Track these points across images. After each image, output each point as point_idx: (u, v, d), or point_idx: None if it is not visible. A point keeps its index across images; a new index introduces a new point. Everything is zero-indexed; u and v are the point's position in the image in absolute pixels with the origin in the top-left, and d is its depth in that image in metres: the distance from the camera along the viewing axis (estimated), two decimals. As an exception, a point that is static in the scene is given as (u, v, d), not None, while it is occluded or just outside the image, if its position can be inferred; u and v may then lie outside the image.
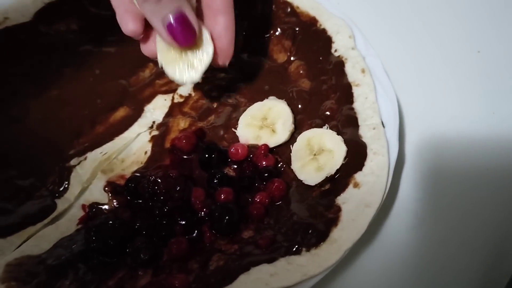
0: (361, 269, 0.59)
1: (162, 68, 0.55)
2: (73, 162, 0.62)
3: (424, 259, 0.60)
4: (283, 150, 0.63)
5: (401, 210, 0.61)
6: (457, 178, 0.66)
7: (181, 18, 0.50)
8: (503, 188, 0.64)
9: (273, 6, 0.74)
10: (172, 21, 0.50)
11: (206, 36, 0.54)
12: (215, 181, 0.59)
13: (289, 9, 0.74)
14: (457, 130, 0.70)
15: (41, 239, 0.56)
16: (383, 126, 0.62)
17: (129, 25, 0.53)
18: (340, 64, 0.68)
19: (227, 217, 0.55)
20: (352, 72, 0.67)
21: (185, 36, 0.51)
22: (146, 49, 0.57)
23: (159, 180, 0.56)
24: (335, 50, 0.70)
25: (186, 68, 0.54)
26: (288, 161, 0.62)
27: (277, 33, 0.73)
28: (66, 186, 0.60)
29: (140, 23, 0.53)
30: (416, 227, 0.61)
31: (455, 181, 0.65)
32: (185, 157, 0.62)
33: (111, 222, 0.54)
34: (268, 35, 0.73)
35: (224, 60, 0.56)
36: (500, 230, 0.62)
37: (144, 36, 0.55)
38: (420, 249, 0.60)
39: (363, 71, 0.67)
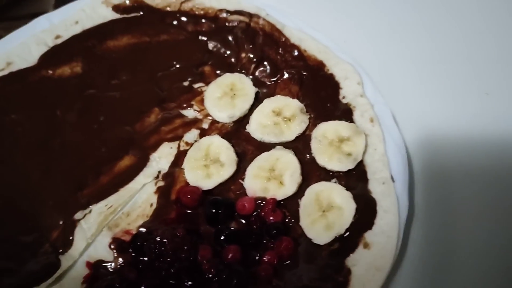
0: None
1: None
2: (77, 216, 0.61)
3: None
4: (291, 203, 0.62)
5: (410, 268, 0.60)
6: (468, 228, 0.65)
7: None
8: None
9: (280, 49, 0.73)
10: None
11: None
12: (222, 238, 0.58)
13: (296, 52, 0.73)
14: (467, 178, 0.69)
15: (45, 300, 0.55)
16: (393, 181, 0.61)
17: None
18: (348, 112, 0.68)
19: (235, 280, 0.54)
20: (360, 121, 0.67)
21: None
22: None
23: (165, 241, 0.55)
24: (343, 97, 0.69)
25: None
26: (296, 216, 0.61)
27: (284, 77, 0.72)
28: (71, 241, 0.59)
29: None
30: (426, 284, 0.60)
31: (468, 234, 0.64)
32: (190, 211, 0.60)
33: (117, 285, 0.52)
34: (275, 79, 0.72)
35: None
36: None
37: None
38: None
39: (371, 120, 0.66)
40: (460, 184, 0.68)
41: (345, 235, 0.58)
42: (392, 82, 0.75)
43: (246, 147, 0.67)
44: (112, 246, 0.58)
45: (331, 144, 0.64)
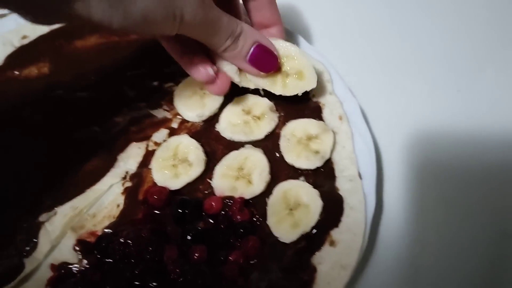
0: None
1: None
2: (42, 218, 0.60)
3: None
4: (259, 202, 0.62)
5: (378, 267, 0.60)
6: (439, 229, 0.65)
7: (260, 52, 0.58)
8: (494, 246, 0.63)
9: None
10: (253, 57, 0.58)
11: None
12: (189, 237, 0.57)
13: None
14: (439, 175, 0.69)
15: (7, 304, 0.54)
16: (360, 178, 0.61)
17: (209, 71, 0.60)
18: (317, 110, 0.67)
19: (200, 281, 0.53)
20: (330, 119, 0.66)
21: (269, 64, 0.60)
22: (215, 89, 0.62)
23: (130, 242, 0.54)
24: (313, 95, 0.68)
25: None
26: (264, 215, 0.61)
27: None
28: (35, 244, 0.58)
29: (212, 67, 0.60)
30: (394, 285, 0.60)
31: (438, 232, 0.64)
32: (158, 212, 0.60)
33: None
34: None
35: None
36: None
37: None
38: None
39: (340, 118, 0.66)
40: (431, 181, 0.68)
41: (312, 233, 0.58)
42: (363, 80, 0.75)
43: (216, 146, 0.67)
44: (77, 248, 0.58)
45: (299, 142, 0.64)
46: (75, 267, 0.57)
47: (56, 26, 0.73)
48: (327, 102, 0.67)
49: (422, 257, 0.63)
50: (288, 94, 0.64)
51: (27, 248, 0.58)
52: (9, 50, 0.70)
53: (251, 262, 0.57)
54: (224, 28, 0.54)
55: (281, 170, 0.64)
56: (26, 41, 0.71)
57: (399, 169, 0.69)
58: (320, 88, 0.68)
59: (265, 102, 0.68)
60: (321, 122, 0.64)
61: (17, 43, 0.71)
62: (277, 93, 0.63)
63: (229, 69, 0.60)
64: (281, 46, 0.62)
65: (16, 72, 0.69)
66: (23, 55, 0.70)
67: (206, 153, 0.65)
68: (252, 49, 0.58)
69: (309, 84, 0.63)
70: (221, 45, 0.56)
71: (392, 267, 0.61)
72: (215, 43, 0.56)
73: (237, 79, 0.61)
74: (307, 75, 0.63)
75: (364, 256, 0.57)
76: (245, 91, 0.68)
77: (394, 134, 0.72)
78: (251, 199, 0.62)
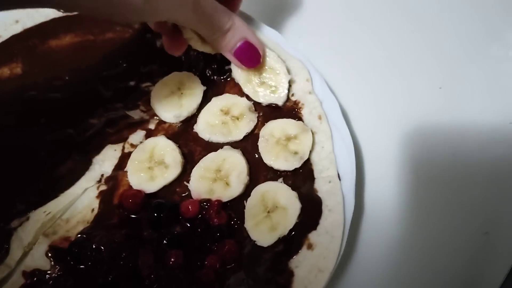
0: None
1: None
2: (13, 224, 0.58)
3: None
4: (237, 204, 0.61)
5: (359, 269, 0.60)
6: (421, 229, 0.64)
7: (245, 48, 0.61)
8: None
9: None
10: (238, 52, 0.61)
11: None
12: (165, 242, 0.56)
13: (245, 49, 0.70)
14: (421, 174, 0.68)
15: (-23, 313, 0.53)
16: (339, 179, 0.60)
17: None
18: (297, 109, 0.66)
19: (174, 287, 0.52)
20: (309, 119, 0.65)
21: (252, 61, 0.63)
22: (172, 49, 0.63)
23: (102, 248, 0.53)
24: (292, 94, 0.67)
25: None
26: (242, 218, 0.60)
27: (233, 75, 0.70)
28: (6, 250, 0.56)
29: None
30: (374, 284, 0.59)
31: (420, 232, 0.63)
32: (134, 216, 0.58)
33: (51, 295, 0.51)
34: (224, 77, 0.70)
35: None
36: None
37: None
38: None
39: (320, 117, 0.65)
40: (413, 180, 0.67)
41: (290, 236, 0.57)
42: (343, 79, 0.74)
43: (194, 148, 0.66)
44: (49, 254, 0.56)
45: (278, 142, 0.63)
46: (47, 274, 0.55)
47: (30, 25, 0.70)
48: (306, 102, 0.66)
49: (403, 258, 0.62)
50: (254, 99, 0.66)
51: (-2, 255, 0.56)
52: (-20, 50, 0.68)
53: (228, 266, 0.56)
54: (215, 24, 0.57)
55: (260, 172, 0.63)
56: (-2, 41, 0.69)
57: (381, 169, 0.68)
58: (299, 87, 0.67)
59: (244, 102, 0.67)
60: (300, 122, 0.63)
61: (-11, 42, 0.69)
62: (245, 92, 0.66)
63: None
64: (271, 58, 0.65)
65: (-13, 73, 0.67)
66: (-6, 55, 0.68)
67: (184, 154, 0.64)
68: (238, 44, 0.60)
69: (277, 100, 0.66)
70: (208, 37, 0.59)
71: (373, 269, 0.60)
72: (203, 33, 0.59)
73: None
74: (279, 92, 0.65)
75: (343, 259, 0.57)
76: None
77: (375, 133, 0.71)
78: (229, 201, 0.61)
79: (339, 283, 0.59)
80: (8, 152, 0.62)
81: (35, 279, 0.55)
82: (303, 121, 0.65)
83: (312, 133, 0.64)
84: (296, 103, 0.67)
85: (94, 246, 0.54)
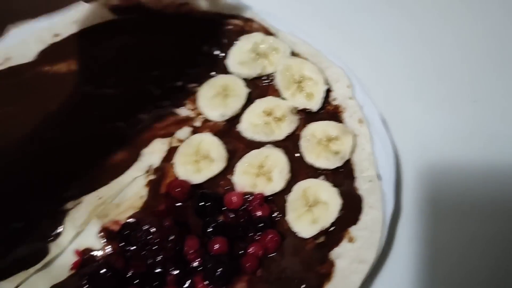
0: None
1: None
2: (68, 205, 0.61)
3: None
4: (279, 199, 0.63)
5: (395, 264, 0.61)
6: (454, 230, 0.66)
7: None
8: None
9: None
10: None
11: None
12: (210, 229, 0.58)
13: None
14: (456, 179, 0.70)
15: (32, 286, 0.56)
16: (379, 179, 0.62)
17: None
18: (337, 113, 0.69)
19: (220, 270, 0.54)
20: (349, 122, 0.68)
21: None
22: None
23: (152, 231, 0.56)
24: (334, 99, 0.70)
25: None
26: (283, 211, 0.62)
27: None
28: (60, 230, 0.59)
29: None
30: (411, 283, 0.61)
31: (453, 233, 0.65)
32: (180, 204, 0.61)
33: (103, 271, 0.53)
34: (268, 81, 0.73)
35: None
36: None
37: None
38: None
39: (360, 121, 0.67)
40: (448, 185, 0.69)
41: (330, 229, 0.59)
42: (383, 87, 0.77)
43: (237, 145, 0.69)
44: (101, 235, 0.59)
45: (319, 143, 0.66)
46: (98, 253, 0.58)
47: (86, 25, 0.75)
48: (347, 106, 0.69)
49: (437, 258, 0.63)
50: (291, 103, 0.70)
51: (53, 234, 0.59)
52: (42, 47, 0.72)
53: (270, 255, 0.58)
54: None
55: (300, 169, 0.65)
56: (58, 39, 0.74)
57: (416, 176, 0.70)
58: (340, 93, 0.70)
59: (286, 104, 0.69)
60: (341, 124, 0.66)
61: (50, 40, 0.74)
62: (284, 96, 0.71)
63: None
64: (311, 70, 0.71)
65: (47, 68, 0.71)
66: (54, 52, 0.72)
67: (228, 151, 0.67)
68: None
69: (312, 106, 0.69)
70: None
71: (409, 266, 0.61)
72: None
73: None
74: (316, 98, 0.69)
75: (382, 254, 0.58)
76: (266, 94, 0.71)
77: (412, 139, 0.73)
78: (271, 196, 0.63)
79: (376, 278, 0.60)
80: (64, 142, 0.66)
81: (86, 256, 0.58)
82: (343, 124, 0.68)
83: (353, 135, 0.66)
84: (337, 107, 0.70)
85: (144, 229, 0.56)
